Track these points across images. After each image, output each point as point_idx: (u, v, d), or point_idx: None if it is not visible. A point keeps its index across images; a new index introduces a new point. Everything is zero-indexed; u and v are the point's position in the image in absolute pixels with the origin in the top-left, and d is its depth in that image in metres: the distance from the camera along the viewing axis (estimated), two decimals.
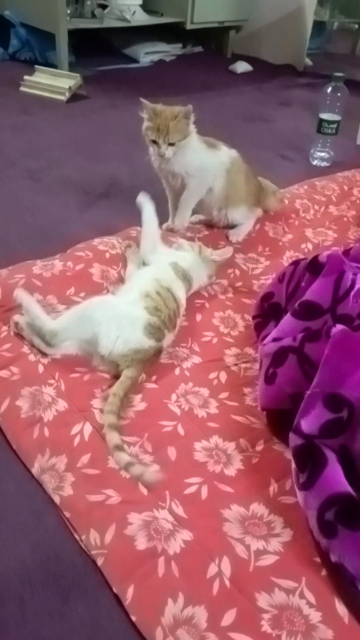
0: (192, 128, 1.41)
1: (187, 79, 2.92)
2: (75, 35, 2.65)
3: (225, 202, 1.50)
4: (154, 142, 1.38)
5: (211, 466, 0.90)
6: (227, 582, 0.75)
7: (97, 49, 3.06)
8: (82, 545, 0.79)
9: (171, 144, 1.36)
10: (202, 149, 1.44)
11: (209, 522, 0.82)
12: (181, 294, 1.20)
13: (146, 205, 1.32)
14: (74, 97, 2.46)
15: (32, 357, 1.07)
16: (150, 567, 0.76)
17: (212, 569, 0.76)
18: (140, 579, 0.74)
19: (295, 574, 0.76)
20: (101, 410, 0.98)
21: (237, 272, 1.42)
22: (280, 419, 0.96)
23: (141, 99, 1.38)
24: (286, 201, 1.71)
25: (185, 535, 0.80)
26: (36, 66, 2.56)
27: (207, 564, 0.77)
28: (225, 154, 1.49)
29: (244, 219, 1.55)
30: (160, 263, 1.25)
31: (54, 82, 2.48)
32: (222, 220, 1.54)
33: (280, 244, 1.57)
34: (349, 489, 0.77)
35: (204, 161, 1.44)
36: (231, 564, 0.76)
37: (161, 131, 1.35)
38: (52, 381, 1.03)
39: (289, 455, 0.90)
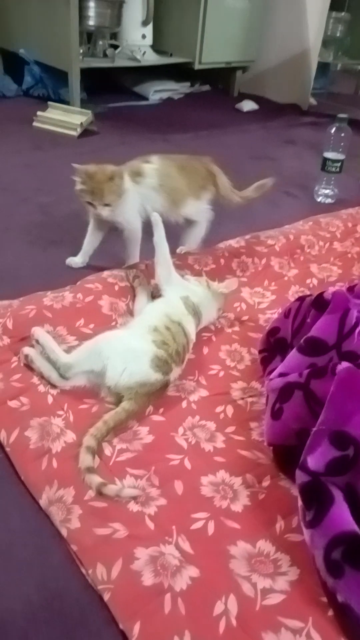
0: (128, 184, 1.40)
1: (195, 116, 3.01)
2: (87, 74, 2.75)
3: (172, 205, 1.48)
4: (89, 203, 1.38)
5: (218, 501, 0.90)
6: (234, 621, 0.74)
7: (108, 86, 3.17)
8: (89, 580, 0.79)
9: (107, 205, 1.37)
10: (130, 198, 1.41)
11: (215, 558, 0.82)
12: (191, 329, 1.22)
13: (158, 227, 1.32)
14: (85, 133, 2.53)
15: (41, 388, 1.09)
16: (156, 604, 0.75)
17: (219, 607, 0.76)
18: (147, 615, 0.74)
19: (301, 614, 0.76)
20: (109, 443, 0.99)
21: (244, 305, 1.44)
22: (286, 455, 0.97)
23: (73, 165, 1.37)
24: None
25: (192, 571, 0.80)
26: (49, 102, 2.65)
27: (213, 601, 0.76)
28: (151, 175, 1.44)
29: (197, 211, 1.55)
30: (172, 297, 1.27)
31: (66, 118, 2.56)
32: (180, 220, 1.53)
33: (286, 278, 1.60)
34: (356, 528, 0.77)
35: (132, 206, 1.43)
36: (238, 602, 0.76)
37: (96, 194, 1.35)
38: (61, 412, 1.04)
39: (295, 491, 0.91)
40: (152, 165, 1.46)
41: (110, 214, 1.39)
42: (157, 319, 1.18)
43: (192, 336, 1.22)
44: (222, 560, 0.82)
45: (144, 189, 1.43)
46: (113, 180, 1.35)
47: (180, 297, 1.26)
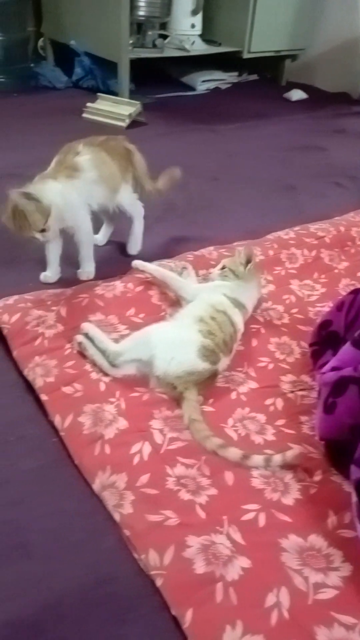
0: (62, 186, 1.28)
1: (242, 106, 2.97)
2: (135, 64, 2.75)
3: (111, 193, 1.40)
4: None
5: (269, 494, 0.90)
6: (286, 614, 0.74)
7: (156, 77, 3.16)
8: (141, 565, 0.80)
9: (43, 230, 1.25)
10: (71, 198, 1.30)
11: (266, 550, 0.82)
12: (238, 319, 1.21)
13: (148, 266, 1.35)
14: (133, 124, 2.54)
15: (94, 375, 1.11)
16: (208, 592, 0.76)
17: (271, 599, 0.76)
18: (199, 603, 0.75)
19: (355, 610, 0.75)
20: (160, 431, 1.00)
21: (293, 298, 1.43)
22: (339, 450, 0.95)
23: (10, 191, 1.20)
24: None
25: (243, 562, 0.80)
26: (98, 94, 2.67)
27: (265, 593, 0.76)
28: (88, 168, 1.33)
29: (129, 199, 1.47)
30: (212, 294, 1.25)
31: (115, 109, 2.58)
32: (116, 209, 1.46)
33: (336, 271, 1.57)
34: None
35: (78, 205, 1.33)
36: (290, 595, 0.76)
37: (24, 229, 1.23)
38: (113, 399, 1.06)
39: (347, 487, 0.90)
40: (85, 157, 1.34)
41: (52, 233, 1.28)
42: (203, 309, 1.18)
43: (240, 326, 1.21)
44: (274, 552, 0.82)
45: (84, 183, 1.32)
46: (34, 215, 1.21)
47: (221, 294, 1.25)
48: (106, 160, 1.38)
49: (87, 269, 1.43)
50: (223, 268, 1.32)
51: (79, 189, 1.31)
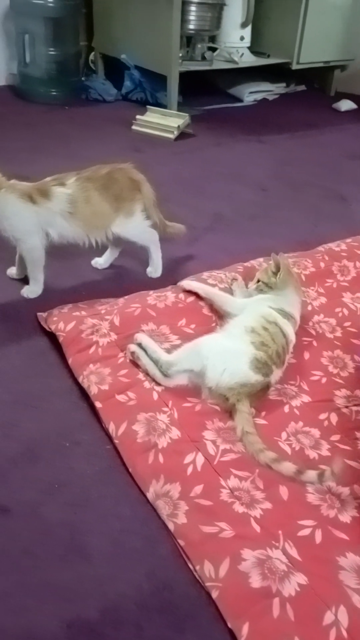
0: (15, 202, 1.30)
1: (290, 117, 2.97)
2: (183, 76, 2.79)
3: (93, 230, 1.39)
4: None
5: (325, 510, 0.89)
6: (344, 633, 0.73)
7: (203, 89, 3.19)
8: (196, 576, 0.80)
9: None
10: (31, 214, 1.31)
11: (324, 568, 0.81)
12: (289, 330, 1.21)
13: (193, 285, 1.36)
14: (181, 135, 2.57)
15: (147, 384, 1.12)
16: (265, 607, 0.76)
17: (329, 617, 0.74)
18: (255, 617, 0.74)
19: None
20: (213, 442, 1.00)
21: (346, 311, 1.40)
22: None
23: None
24: None
25: (300, 578, 0.79)
26: (148, 106, 2.72)
27: (322, 611, 0.75)
28: (58, 201, 1.33)
29: (134, 230, 1.45)
30: (259, 307, 1.24)
31: (163, 121, 2.62)
32: (109, 240, 1.44)
33: None
34: None
35: (26, 223, 1.32)
36: (348, 614, 0.75)
37: None
38: (165, 409, 1.07)
39: None
40: (65, 190, 1.33)
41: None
42: (254, 320, 1.18)
43: (292, 337, 1.20)
44: (331, 570, 0.80)
45: (44, 211, 1.32)
46: None
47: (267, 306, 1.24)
48: (91, 199, 1.36)
49: (31, 287, 1.42)
50: (258, 282, 1.32)
51: (37, 212, 1.31)
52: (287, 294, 1.27)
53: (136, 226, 1.46)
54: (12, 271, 1.48)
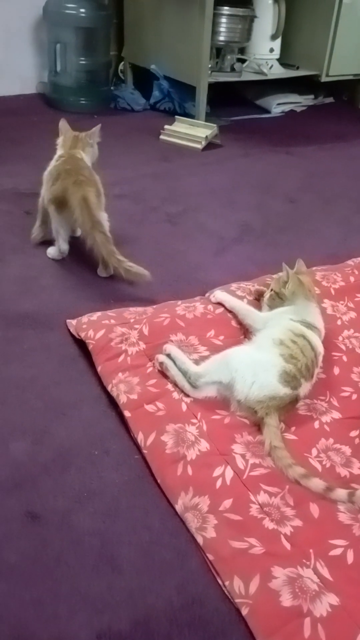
0: None
1: (319, 129, 2.96)
2: (211, 87, 2.81)
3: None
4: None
5: (357, 530, 0.88)
6: None
7: (231, 99, 3.21)
8: (226, 592, 0.80)
9: None
10: None
11: (356, 588, 0.79)
12: (317, 342, 1.19)
13: (218, 297, 1.37)
14: (209, 146, 2.58)
15: (175, 395, 1.12)
16: (296, 626, 0.75)
17: None
18: (286, 636, 0.74)
19: None
20: (242, 456, 1.00)
21: None
22: None
23: None
24: None
25: (332, 599, 0.78)
26: (176, 116, 2.73)
27: (355, 633, 0.74)
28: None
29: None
30: (281, 320, 1.23)
31: (191, 131, 2.63)
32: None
33: None
34: None
35: None
36: None
37: None
38: (194, 420, 1.07)
39: None
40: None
41: None
42: (282, 333, 1.17)
43: (320, 349, 1.19)
44: None
45: None
46: None
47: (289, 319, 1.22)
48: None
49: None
50: (271, 291, 1.31)
51: None
52: (306, 305, 1.26)
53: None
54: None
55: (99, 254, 1.47)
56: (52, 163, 1.59)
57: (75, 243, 1.69)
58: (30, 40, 3.06)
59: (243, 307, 1.34)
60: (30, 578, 0.80)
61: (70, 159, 1.57)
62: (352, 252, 1.69)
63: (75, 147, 1.63)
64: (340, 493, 0.92)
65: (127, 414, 1.09)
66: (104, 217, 1.50)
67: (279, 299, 1.29)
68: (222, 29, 2.79)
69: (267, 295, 1.33)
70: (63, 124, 1.67)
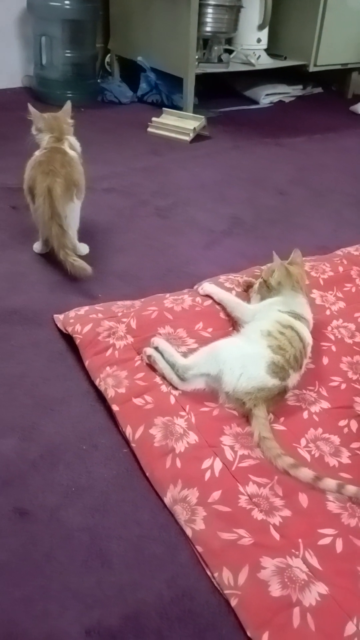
0: None
1: (308, 120, 2.95)
2: (199, 79, 2.79)
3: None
4: None
5: (345, 519, 0.88)
6: None
7: (219, 91, 3.19)
8: (215, 583, 0.80)
9: None
10: None
11: (345, 578, 0.80)
12: (305, 333, 1.19)
13: (206, 288, 1.36)
14: (198, 138, 2.57)
15: (164, 388, 1.12)
16: (285, 617, 0.75)
17: (350, 628, 0.74)
18: (276, 627, 0.74)
19: None
20: (231, 448, 0.99)
21: None
22: None
23: None
24: None
25: (321, 588, 0.78)
26: (164, 108, 2.72)
27: (344, 621, 0.74)
28: None
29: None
30: (269, 312, 1.22)
31: (179, 123, 2.61)
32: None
33: None
34: None
35: None
36: None
37: None
38: (183, 413, 1.07)
39: None
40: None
41: None
42: (270, 324, 1.17)
43: (308, 340, 1.18)
44: (353, 580, 0.79)
45: None
46: None
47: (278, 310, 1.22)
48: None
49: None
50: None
51: None
52: (289, 295, 1.25)
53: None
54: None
55: (51, 244, 1.47)
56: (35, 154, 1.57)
57: None
58: (15, 33, 3.03)
59: (231, 300, 1.33)
60: (20, 575, 0.80)
61: (51, 151, 1.55)
62: (342, 244, 1.68)
63: (60, 131, 1.63)
64: (329, 483, 0.92)
65: (115, 408, 1.08)
66: (70, 209, 1.49)
67: (266, 288, 1.28)
68: (209, 20, 2.77)
69: (257, 283, 1.32)
70: (33, 110, 1.65)
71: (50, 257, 1.58)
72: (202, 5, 2.63)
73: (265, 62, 3.03)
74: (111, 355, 1.19)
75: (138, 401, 1.09)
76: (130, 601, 0.76)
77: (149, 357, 1.17)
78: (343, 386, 1.17)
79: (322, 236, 1.81)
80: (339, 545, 0.84)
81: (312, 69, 3.04)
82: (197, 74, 2.74)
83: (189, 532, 0.87)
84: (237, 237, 1.79)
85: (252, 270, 1.50)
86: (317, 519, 0.88)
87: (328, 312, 1.38)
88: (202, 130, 2.61)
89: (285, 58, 3.10)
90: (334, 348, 1.27)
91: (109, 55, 3.25)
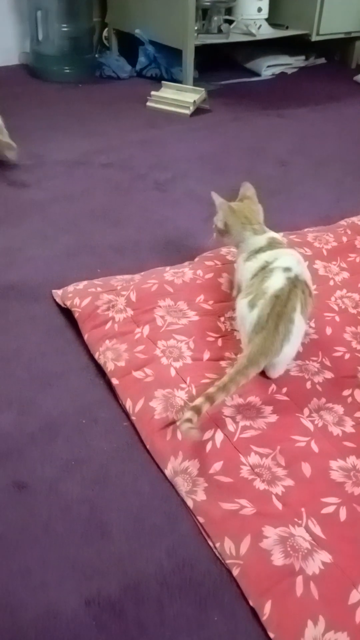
0: None
1: (311, 90, 2.88)
2: (199, 51, 2.72)
3: None
4: None
5: (349, 487, 0.86)
6: None
7: (220, 63, 3.11)
8: (217, 553, 0.79)
9: None
10: None
11: (349, 545, 0.78)
12: (281, 259, 1.08)
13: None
14: (198, 111, 2.51)
15: (164, 361, 1.10)
16: (287, 585, 0.73)
17: (355, 596, 0.72)
18: (278, 595, 0.72)
19: None
20: (232, 419, 0.98)
21: None
22: None
23: None
24: None
25: (324, 556, 0.77)
26: (163, 82, 2.65)
27: (348, 590, 0.73)
28: None
29: None
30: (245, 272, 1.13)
31: (179, 96, 2.55)
32: None
33: None
34: None
35: None
36: None
37: None
38: (183, 385, 1.05)
39: None
40: None
41: None
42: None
43: (286, 262, 1.07)
44: (356, 548, 0.78)
45: None
46: None
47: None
48: None
49: None
50: None
51: None
52: (241, 234, 1.16)
53: None
54: None
55: None
56: None
57: (61, 211, 1.66)
58: (10, 8, 2.96)
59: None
60: (18, 547, 0.79)
61: None
62: (344, 213, 1.64)
63: None
64: (197, 402, 0.91)
65: (114, 381, 1.06)
66: None
67: (218, 234, 1.21)
68: None
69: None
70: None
71: (47, 233, 1.56)
72: None
73: (267, 32, 2.94)
74: (110, 328, 1.17)
75: (138, 374, 1.07)
76: (130, 571, 0.75)
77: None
78: (347, 356, 1.14)
79: (325, 205, 1.77)
80: (343, 514, 0.82)
81: (314, 38, 2.95)
82: (196, 45, 2.67)
83: (190, 503, 0.85)
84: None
85: None
86: (320, 488, 0.86)
87: (332, 283, 1.35)
88: (202, 104, 2.55)
89: (287, 27, 3.01)
90: (337, 318, 1.25)
91: (106, 29, 3.18)
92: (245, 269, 1.12)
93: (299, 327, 1.04)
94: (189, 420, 0.88)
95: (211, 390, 0.93)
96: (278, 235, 1.21)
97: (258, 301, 1.02)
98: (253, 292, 1.05)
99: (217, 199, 1.21)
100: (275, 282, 1.04)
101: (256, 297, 1.03)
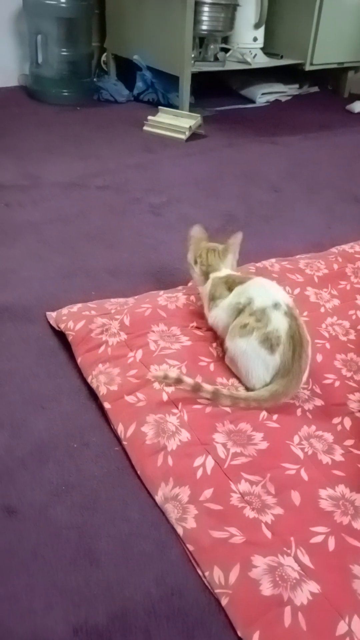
0: None
1: (304, 118, 2.94)
2: (195, 77, 2.78)
3: None
4: None
5: (338, 517, 0.87)
6: None
7: (215, 90, 3.18)
8: (205, 582, 0.79)
9: None
10: None
11: (337, 576, 0.78)
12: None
13: None
14: (193, 136, 2.56)
15: (156, 385, 1.10)
16: (276, 615, 0.73)
17: (342, 627, 0.72)
18: (266, 625, 0.72)
19: None
20: (223, 445, 0.98)
21: (359, 313, 1.38)
22: None
23: None
24: None
25: (312, 587, 0.77)
26: (159, 107, 2.70)
27: (336, 620, 0.73)
28: None
29: None
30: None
31: (175, 121, 2.60)
32: None
33: None
34: None
35: None
36: None
37: None
38: (175, 410, 1.05)
39: None
40: None
41: None
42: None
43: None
44: (345, 578, 0.78)
45: None
46: None
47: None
48: None
49: None
50: None
51: None
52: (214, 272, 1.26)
53: None
54: None
55: None
56: None
57: (56, 232, 1.67)
58: (10, 31, 3.02)
59: None
60: (6, 573, 0.78)
61: None
62: (335, 240, 1.68)
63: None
64: (207, 388, 1.03)
65: (107, 405, 1.07)
66: None
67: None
68: (205, 18, 2.76)
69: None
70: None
71: (42, 254, 1.57)
72: (198, 4, 2.62)
73: (262, 60, 3.02)
74: (104, 352, 1.18)
75: (130, 398, 1.08)
76: (118, 599, 0.75)
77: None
78: (337, 384, 1.16)
79: (316, 232, 1.80)
80: (332, 543, 0.82)
81: (308, 67, 3.03)
82: (193, 72, 2.73)
83: (179, 530, 0.85)
84: (231, 234, 1.77)
85: (247, 267, 1.49)
86: (310, 517, 0.86)
87: (322, 310, 1.37)
88: (197, 129, 2.60)
89: (282, 57, 3.09)
90: (328, 345, 1.26)
91: (104, 54, 3.24)
92: (221, 309, 1.18)
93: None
94: (169, 378, 1.02)
95: (224, 391, 1.02)
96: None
97: (277, 346, 1.05)
98: (255, 331, 1.08)
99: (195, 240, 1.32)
100: (281, 323, 1.07)
101: (267, 340, 1.06)
